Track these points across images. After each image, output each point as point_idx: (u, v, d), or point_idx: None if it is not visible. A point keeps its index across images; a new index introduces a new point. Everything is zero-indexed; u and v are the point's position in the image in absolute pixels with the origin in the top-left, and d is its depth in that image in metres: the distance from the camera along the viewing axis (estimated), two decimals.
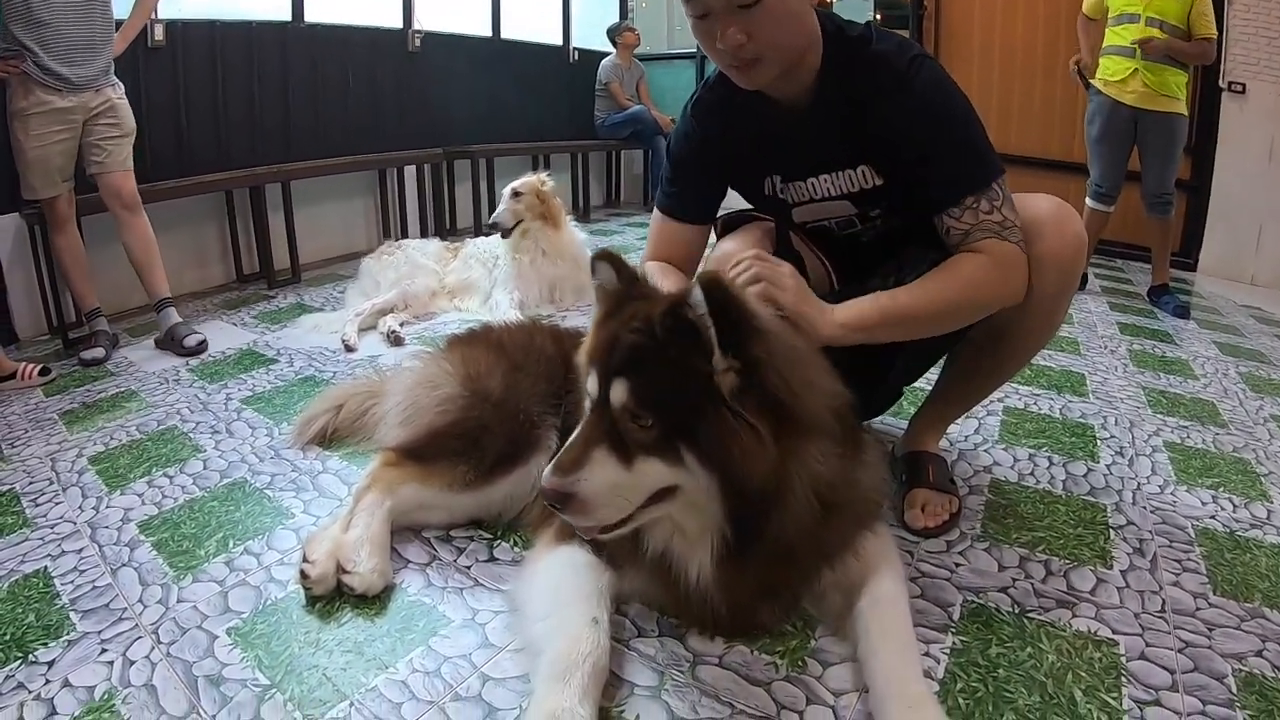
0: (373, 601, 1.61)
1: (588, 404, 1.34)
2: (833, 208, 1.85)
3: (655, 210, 1.98)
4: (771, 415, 1.24)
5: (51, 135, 3.20)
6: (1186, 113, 4.52)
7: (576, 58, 7.58)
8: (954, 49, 6.64)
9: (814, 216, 1.90)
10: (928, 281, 1.63)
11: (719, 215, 1.99)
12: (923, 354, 1.99)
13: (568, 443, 1.31)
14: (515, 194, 3.96)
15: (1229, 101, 5.61)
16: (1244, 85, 5.53)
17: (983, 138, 1.68)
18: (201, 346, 3.34)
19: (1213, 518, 2.07)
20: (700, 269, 1.86)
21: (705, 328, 1.20)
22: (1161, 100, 4.38)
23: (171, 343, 3.36)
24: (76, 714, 1.33)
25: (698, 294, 1.19)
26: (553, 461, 1.29)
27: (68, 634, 1.54)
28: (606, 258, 1.41)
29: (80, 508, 2.04)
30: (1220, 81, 5.57)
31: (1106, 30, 4.53)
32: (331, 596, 1.61)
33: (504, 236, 3.98)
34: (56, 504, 2.06)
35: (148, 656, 1.47)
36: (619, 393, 1.26)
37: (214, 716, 1.32)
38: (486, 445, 1.79)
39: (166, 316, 3.44)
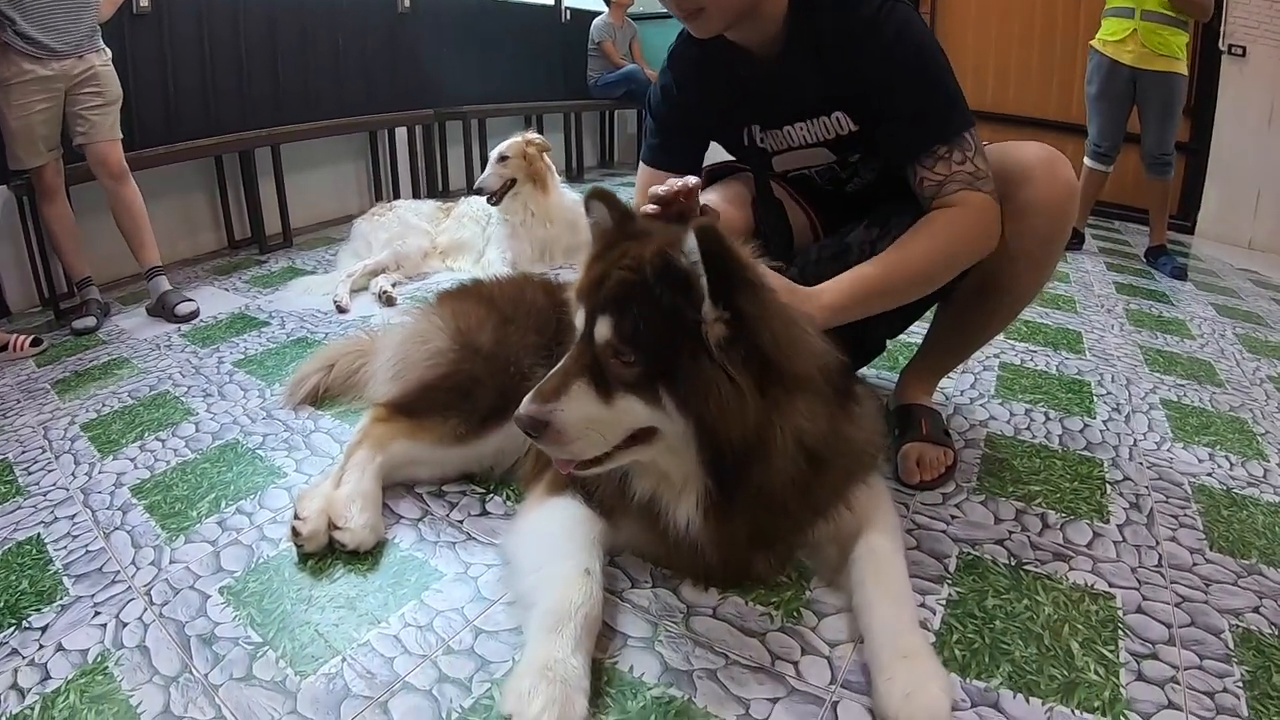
0: (365, 557, 1.60)
1: (574, 339, 1.33)
2: (811, 155, 1.84)
3: (640, 163, 1.98)
4: (757, 370, 1.22)
5: (34, 104, 3.14)
6: (1186, 73, 4.50)
7: (569, 17, 7.48)
8: (951, 12, 6.59)
9: (794, 165, 1.89)
10: (907, 245, 1.61)
11: (705, 166, 1.99)
12: (905, 307, 1.96)
13: (549, 372, 1.30)
14: (502, 158, 3.93)
15: (1229, 64, 5.59)
16: (1244, 48, 5.51)
17: (954, 86, 1.65)
18: (193, 313, 3.31)
19: (1209, 475, 2.07)
20: None
21: (697, 275, 1.18)
22: (1160, 60, 4.36)
23: (163, 310, 3.33)
24: (70, 677, 1.33)
25: (691, 241, 1.16)
26: (533, 389, 1.28)
27: (61, 599, 1.53)
28: (600, 195, 1.39)
29: (73, 474, 2.03)
30: (1220, 44, 5.55)
31: None
32: (324, 553, 1.60)
33: (492, 202, 3.94)
34: (49, 472, 2.05)
35: (140, 618, 1.46)
36: (604, 328, 1.24)
37: (206, 675, 1.31)
38: (477, 398, 1.78)
39: (157, 285, 3.41)
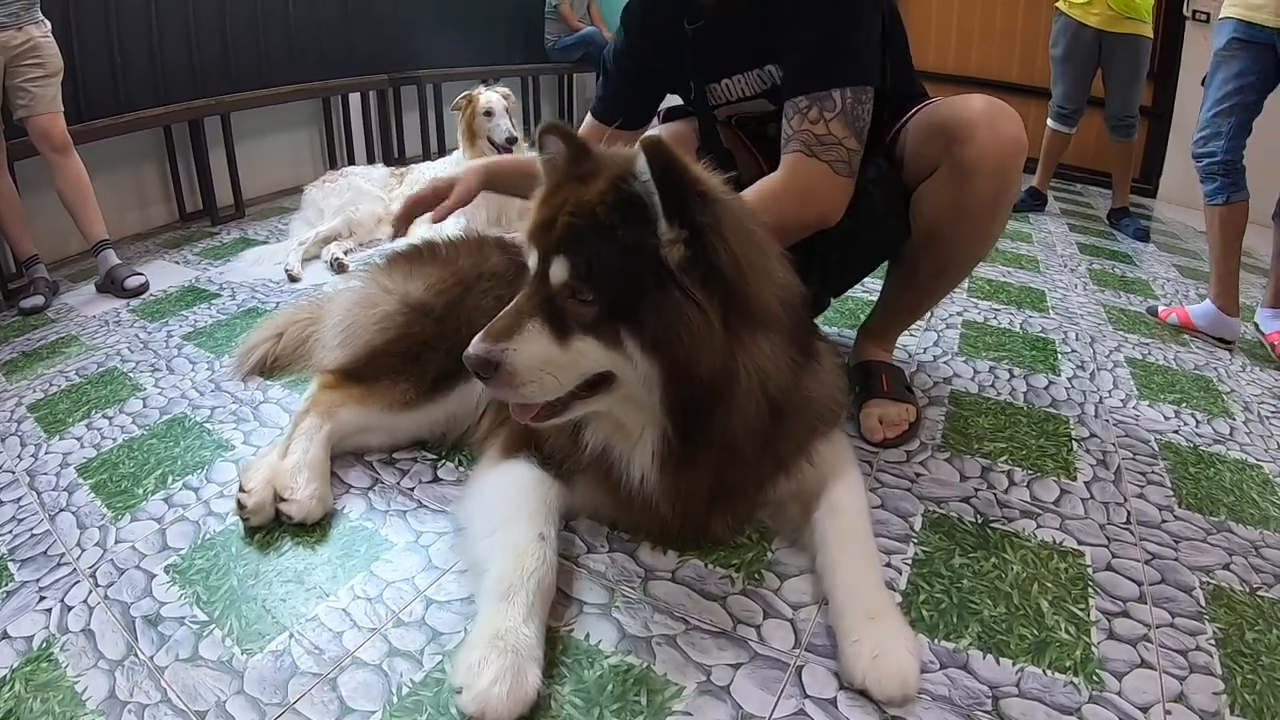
0: (313, 529, 1.57)
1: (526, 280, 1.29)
2: (751, 107, 1.86)
3: (588, 115, 2.01)
4: (721, 296, 1.18)
5: None
6: (1151, 35, 4.52)
7: None
8: (912, 14, 6.58)
9: (739, 113, 1.94)
10: (749, 193, 1.56)
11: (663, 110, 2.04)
12: (840, 266, 1.92)
13: (501, 312, 1.26)
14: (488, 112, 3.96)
15: (1193, 30, 5.60)
16: (1208, 14, 5.47)
17: (856, 41, 1.62)
18: (143, 287, 3.23)
19: (1176, 433, 2.09)
20: None
21: (650, 195, 1.14)
22: (1126, 23, 4.38)
23: (112, 285, 3.25)
24: (16, 665, 1.29)
25: (641, 162, 1.13)
26: (483, 329, 1.24)
27: (5, 584, 1.49)
28: (554, 129, 1.34)
29: (19, 456, 1.98)
30: (1185, 10, 5.57)
31: None
32: (271, 527, 1.57)
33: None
34: None
35: (85, 601, 1.43)
36: (559, 270, 1.20)
37: (151, 657, 1.28)
38: (427, 362, 1.75)
39: (105, 259, 3.33)
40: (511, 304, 1.26)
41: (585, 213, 1.19)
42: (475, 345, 1.21)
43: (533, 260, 1.26)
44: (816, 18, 1.60)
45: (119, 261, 3.32)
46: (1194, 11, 5.53)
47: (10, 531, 1.66)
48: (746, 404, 1.25)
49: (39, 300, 3.18)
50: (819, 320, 2.35)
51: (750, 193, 1.56)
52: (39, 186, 3.47)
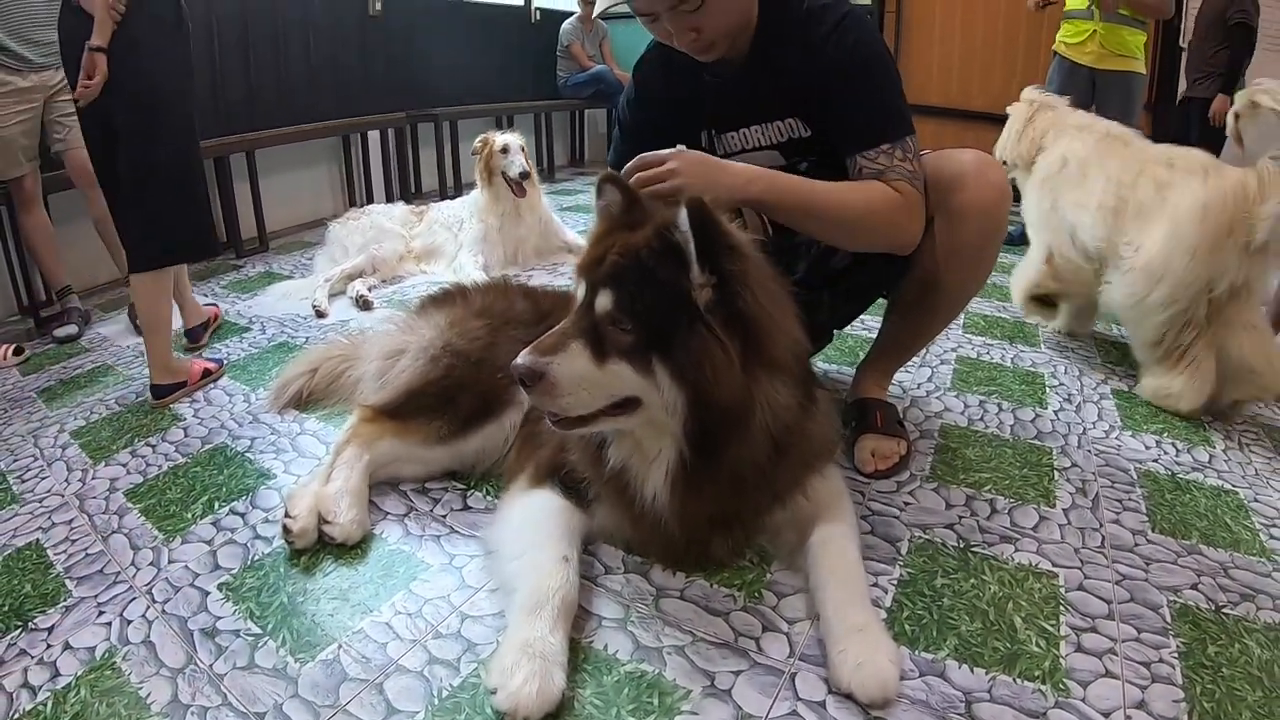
0: (354, 551, 1.68)
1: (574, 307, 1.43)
2: (762, 158, 1.92)
3: (608, 168, 2.06)
4: (741, 337, 1.33)
5: (13, 116, 3.15)
6: (1145, 71, 4.61)
7: (538, 17, 7.53)
8: (914, 40, 6.65)
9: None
10: (841, 186, 1.71)
11: None
12: (848, 296, 2.09)
13: (549, 331, 1.41)
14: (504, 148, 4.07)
15: None
16: None
17: (903, 99, 1.78)
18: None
19: (1155, 461, 2.15)
20: None
21: (687, 243, 1.29)
22: (1119, 60, 4.46)
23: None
24: (80, 674, 1.39)
25: (682, 215, 1.28)
26: (532, 344, 1.38)
27: (65, 600, 1.59)
28: (612, 180, 1.49)
29: (67, 480, 2.08)
30: (1180, 41, 5.63)
31: None
32: (315, 549, 1.68)
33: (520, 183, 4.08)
34: (43, 479, 2.10)
35: (144, 615, 1.53)
36: (604, 300, 1.35)
37: (211, 665, 1.39)
38: (460, 402, 1.87)
39: None
40: (558, 325, 1.41)
41: (631, 254, 1.35)
42: (524, 357, 1.35)
43: (581, 290, 1.41)
44: (869, 79, 1.73)
45: None
46: (1189, 43, 5.63)
47: (65, 551, 1.77)
48: (757, 438, 1.39)
49: (73, 329, 3.28)
50: (824, 352, 2.47)
51: (860, 191, 1.71)
52: (72, 218, 3.59)
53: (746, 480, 1.45)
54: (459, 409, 1.87)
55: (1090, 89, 4.55)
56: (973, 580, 1.61)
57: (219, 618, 1.52)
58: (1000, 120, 3.54)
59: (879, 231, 1.75)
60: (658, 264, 1.33)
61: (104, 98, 2.36)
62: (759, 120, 1.89)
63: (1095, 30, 4.47)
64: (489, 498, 1.90)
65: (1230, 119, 3.22)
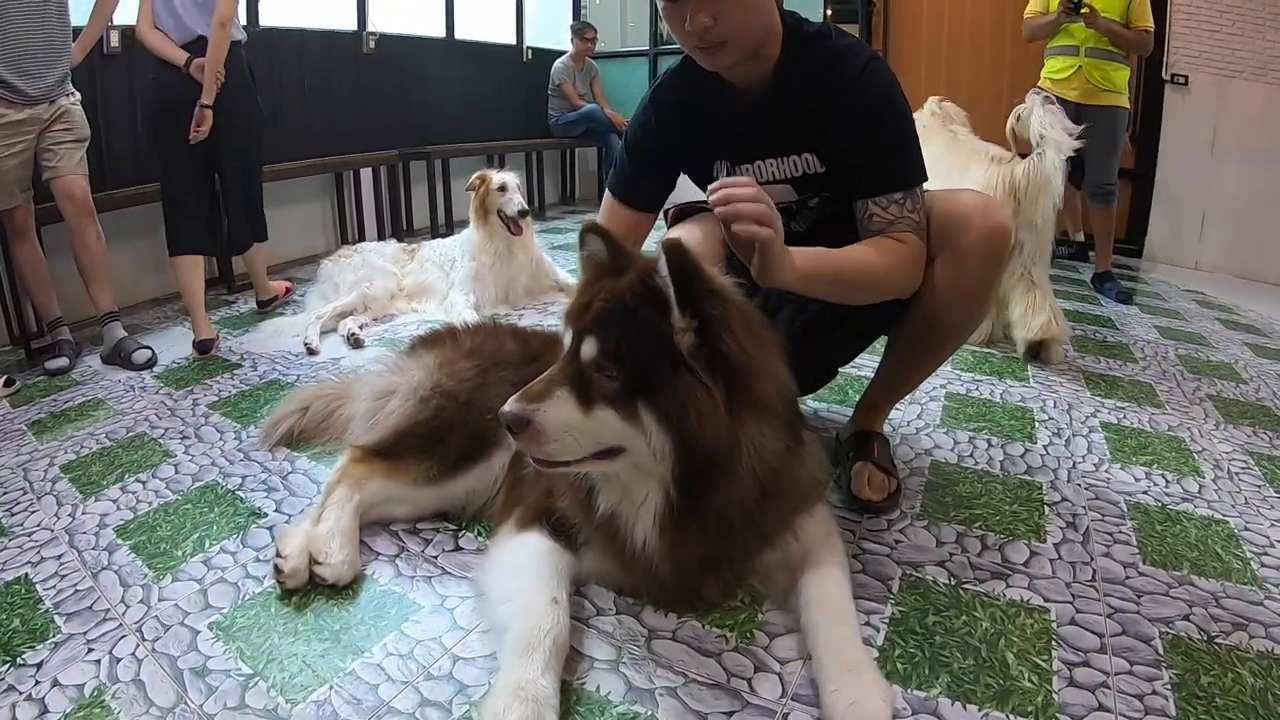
0: (346, 592, 1.68)
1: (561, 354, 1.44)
2: (774, 192, 1.90)
3: (606, 191, 2.08)
4: (725, 380, 1.34)
5: (5, 148, 3.14)
6: (1129, 105, 4.68)
7: (530, 56, 7.62)
8: (902, 44, 6.76)
9: None
10: (861, 251, 1.73)
11: (674, 205, 2.10)
12: (855, 336, 2.12)
13: (537, 378, 1.42)
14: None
15: (1172, 93, 5.76)
16: (1186, 77, 5.68)
17: (917, 146, 1.81)
18: (150, 362, 3.31)
19: (1145, 493, 2.17)
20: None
21: (667, 288, 1.30)
22: (1104, 95, 4.53)
23: (119, 358, 3.32)
24: (68, 711, 1.38)
25: (662, 260, 1.30)
26: (519, 390, 1.39)
27: (54, 636, 1.58)
28: (595, 230, 1.51)
29: (56, 515, 2.08)
30: (1163, 73, 5.72)
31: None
32: (306, 589, 1.68)
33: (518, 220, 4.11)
34: (32, 513, 2.09)
35: (133, 653, 1.52)
36: (589, 347, 1.36)
37: (201, 705, 1.38)
38: (450, 443, 1.87)
39: (112, 331, 3.41)
40: (546, 372, 1.42)
41: (615, 301, 1.37)
42: (511, 404, 1.36)
43: (568, 337, 1.42)
44: (889, 127, 1.76)
45: (125, 335, 3.41)
46: (1172, 75, 5.71)
47: (54, 587, 1.75)
48: (744, 481, 1.40)
49: (64, 362, 3.28)
50: (825, 389, 2.48)
51: (871, 255, 1.73)
52: (64, 250, 3.55)
53: (735, 523, 1.45)
54: (448, 450, 1.87)
55: (1076, 124, 4.58)
56: (964, 617, 1.62)
57: (209, 657, 1.51)
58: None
59: (893, 289, 1.79)
60: (641, 309, 1.34)
61: (211, 136, 3.48)
62: (776, 153, 1.90)
63: (1080, 66, 4.54)
64: (480, 538, 1.89)
65: (1008, 130, 3.83)
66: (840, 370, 2.39)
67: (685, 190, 2.06)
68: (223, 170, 3.71)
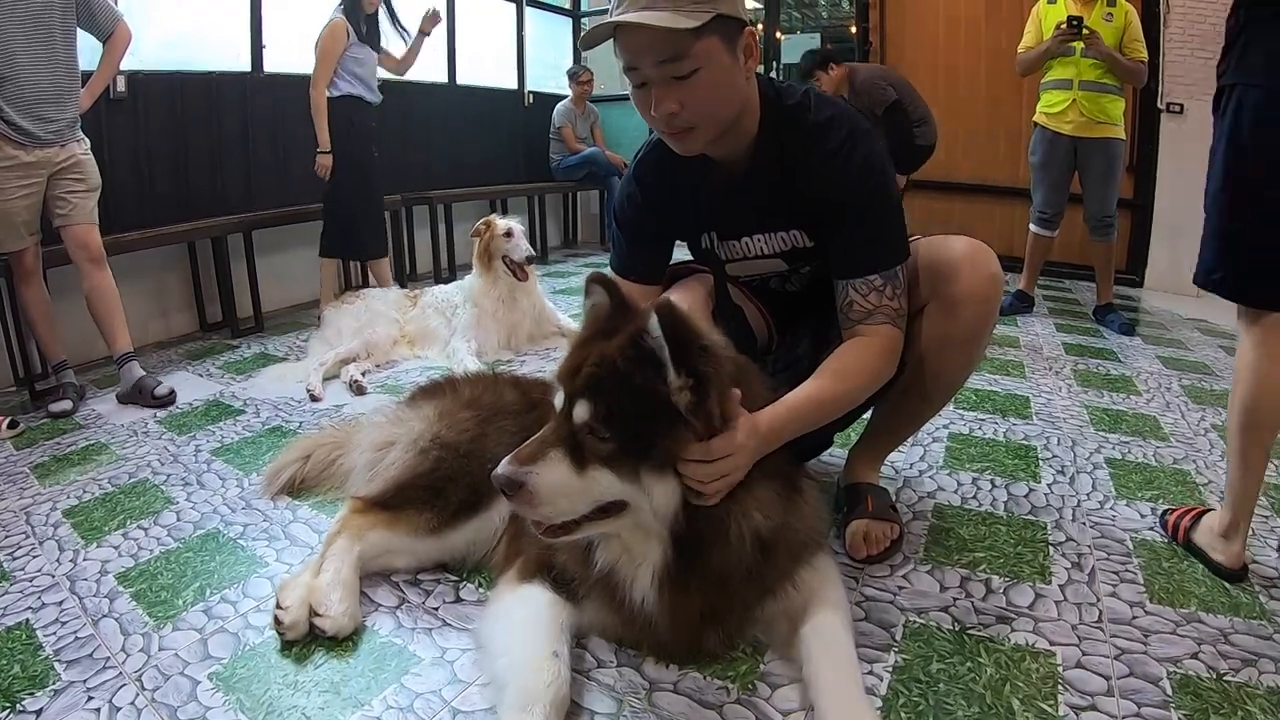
0: (346, 643, 1.67)
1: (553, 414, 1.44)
2: (765, 265, 1.95)
3: (609, 269, 2.05)
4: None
5: (15, 190, 3.16)
6: (1125, 137, 4.69)
7: (531, 101, 7.68)
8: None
9: (746, 272, 2.00)
10: (835, 373, 1.71)
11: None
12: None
13: (530, 439, 1.41)
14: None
15: (1168, 121, 5.80)
16: (1181, 105, 5.71)
17: (901, 222, 1.79)
18: (170, 396, 3.36)
19: (1151, 529, 2.15)
20: None
21: (661, 349, 1.31)
22: (1099, 127, 4.54)
23: (139, 395, 3.35)
24: None
25: (653, 321, 1.29)
26: (512, 453, 1.38)
27: (53, 683, 1.58)
28: (601, 281, 1.52)
29: (58, 560, 2.07)
30: (1159, 103, 5.76)
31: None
32: (306, 640, 1.67)
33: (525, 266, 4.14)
34: (34, 557, 2.09)
35: (133, 703, 1.52)
36: (581, 410, 1.36)
37: None
38: (449, 494, 1.87)
39: (130, 371, 3.43)
40: (539, 433, 1.41)
41: (607, 364, 1.36)
42: (503, 466, 1.36)
43: (559, 399, 1.42)
44: (869, 206, 1.73)
45: (145, 373, 3.43)
46: (1168, 104, 5.75)
47: (55, 633, 1.75)
48: (740, 547, 1.40)
49: (67, 405, 3.29)
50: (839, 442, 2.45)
51: (857, 370, 1.72)
52: (70, 292, 3.59)
53: (733, 578, 1.45)
54: (448, 501, 1.87)
55: (1073, 156, 4.65)
56: (969, 663, 1.60)
57: (209, 708, 1.50)
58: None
59: (873, 390, 1.78)
60: (634, 371, 1.34)
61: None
62: (762, 230, 1.89)
63: (1075, 99, 4.55)
64: (481, 590, 1.88)
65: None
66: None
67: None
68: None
